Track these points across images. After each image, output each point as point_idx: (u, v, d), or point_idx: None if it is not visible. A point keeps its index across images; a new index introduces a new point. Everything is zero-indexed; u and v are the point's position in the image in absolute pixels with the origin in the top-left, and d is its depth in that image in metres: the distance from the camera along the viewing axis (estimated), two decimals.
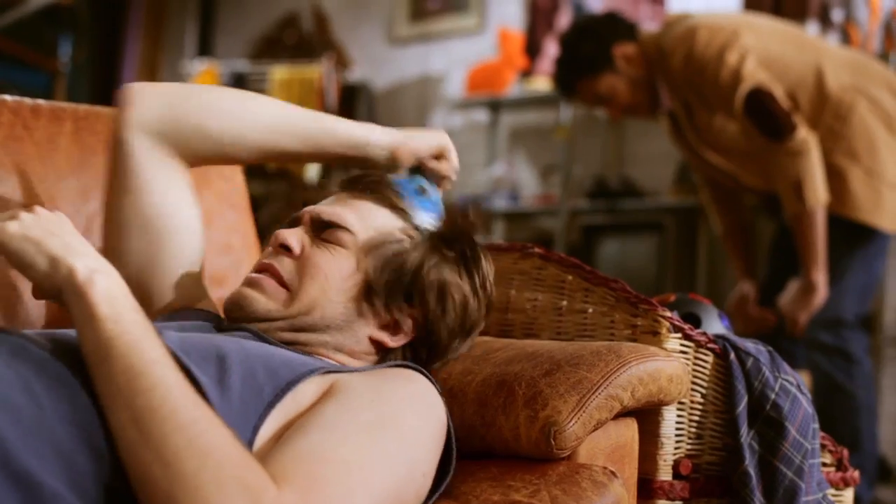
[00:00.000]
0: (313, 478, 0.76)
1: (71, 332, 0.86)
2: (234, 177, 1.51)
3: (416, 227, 1.10)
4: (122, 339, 0.78)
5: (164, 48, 5.62)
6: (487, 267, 1.12)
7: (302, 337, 1.04)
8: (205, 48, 5.42)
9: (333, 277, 1.05)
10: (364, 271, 1.06)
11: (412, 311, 1.07)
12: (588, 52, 2.54)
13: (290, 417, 0.87)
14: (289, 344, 1.02)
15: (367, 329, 1.06)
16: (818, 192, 2.26)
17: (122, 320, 0.80)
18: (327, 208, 1.10)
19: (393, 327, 1.07)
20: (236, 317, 1.04)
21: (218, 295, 1.42)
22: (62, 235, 0.87)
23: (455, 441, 0.99)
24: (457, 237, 1.10)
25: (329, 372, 0.94)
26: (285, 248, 1.07)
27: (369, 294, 1.05)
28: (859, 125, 2.33)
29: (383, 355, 1.08)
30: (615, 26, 2.57)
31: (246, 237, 1.50)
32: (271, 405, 0.86)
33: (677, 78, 2.42)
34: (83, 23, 5.35)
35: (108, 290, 0.82)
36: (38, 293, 0.88)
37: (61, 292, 0.84)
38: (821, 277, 2.30)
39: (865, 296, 2.49)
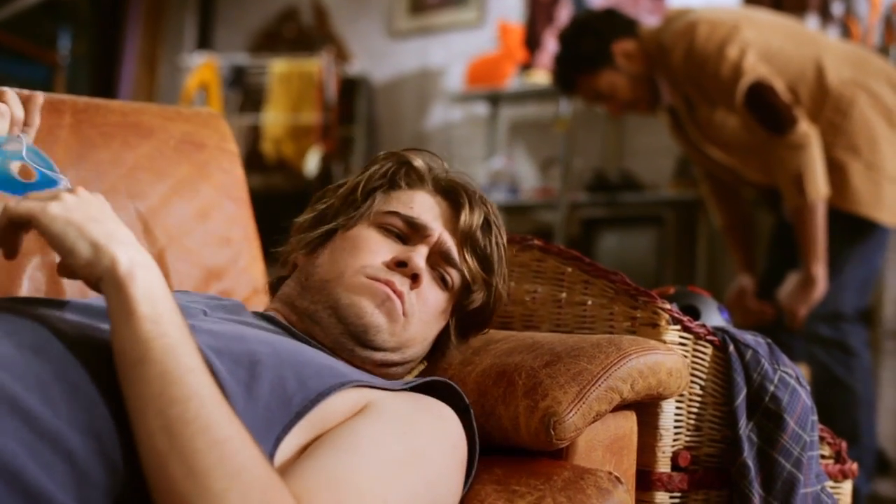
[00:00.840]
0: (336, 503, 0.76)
1: (96, 322, 0.83)
2: (234, 168, 1.49)
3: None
4: (160, 342, 0.74)
5: (163, 41, 5.61)
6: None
7: (381, 370, 1.03)
8: (204, 41, 5.41)
9: (435, 327, 1.07)
10: (450, 319, 1.09)
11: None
12: (587, 49, 2.53)
13: (317, 431, 0.84)
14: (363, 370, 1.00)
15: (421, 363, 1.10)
16: (819, 186, 2.26)
17: (161, 321, 0.76)
18: (454, 245, 1.06)
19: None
20: (352, 332, 1.01)
21: (218, 289, 1.41)
22: (105, 221, 0.81)
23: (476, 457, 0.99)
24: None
25: (361, 386, 0.92)
26: (414, 277, 1.02)
27: (446, 339, 1.09)
28: (860, 119, 2.33)
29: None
30: (614, 23, 2.57)
31: (245, 229, 1.48)
32: (299, 416, 0.83)
33: (678, 73, 2.42)
34: (83, 16, 5.35)
35: (149, 287, 0.77)
36: (66, 272, 0.81)
37: (100, 281, 0.78)
38: (820, 271, 2.30)
39: (865, 289, 2.49)
